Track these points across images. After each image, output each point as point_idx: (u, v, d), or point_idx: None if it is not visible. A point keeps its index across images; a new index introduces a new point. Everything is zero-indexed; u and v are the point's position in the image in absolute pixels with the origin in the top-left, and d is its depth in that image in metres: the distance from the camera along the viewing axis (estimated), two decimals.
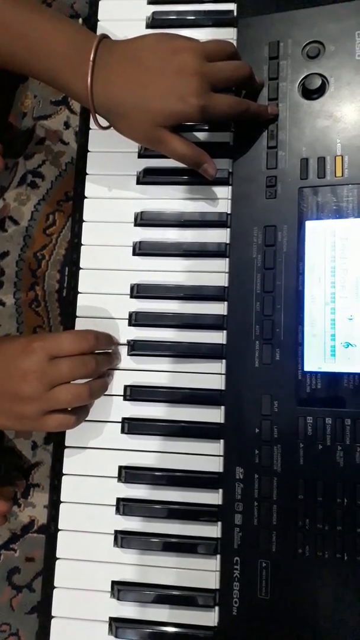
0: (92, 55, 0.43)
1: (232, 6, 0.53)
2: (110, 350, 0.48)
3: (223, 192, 0.50)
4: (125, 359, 0.49)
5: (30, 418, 0.43)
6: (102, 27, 0.54)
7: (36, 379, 0.42)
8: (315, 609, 0.41)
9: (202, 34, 0.51)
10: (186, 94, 0.42)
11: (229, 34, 0.51)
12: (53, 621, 0.46)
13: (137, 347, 0.48)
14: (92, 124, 0.52)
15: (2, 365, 0.43)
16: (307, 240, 0.46)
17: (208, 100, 0.43)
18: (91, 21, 0.54)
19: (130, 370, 0.48)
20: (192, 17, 0.53)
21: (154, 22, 0.53)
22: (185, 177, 0.50)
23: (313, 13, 0.49)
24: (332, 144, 0.47)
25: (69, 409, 0.44)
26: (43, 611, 0.46)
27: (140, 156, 0.52)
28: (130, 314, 0.49)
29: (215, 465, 0.46)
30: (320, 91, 0.48)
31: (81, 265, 0.50)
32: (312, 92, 0.48)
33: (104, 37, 0.45)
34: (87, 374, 0.44)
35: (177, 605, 0.44)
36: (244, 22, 0.51)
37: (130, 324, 0.49)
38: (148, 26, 0.53)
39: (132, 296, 0.49)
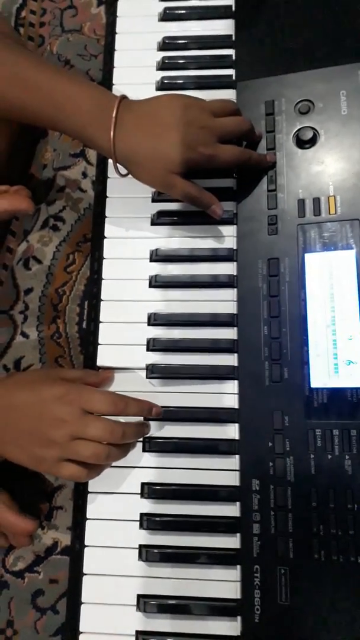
0: (114, 113, 0.49)
1: (231, 71, 0.60)
2: (142, 422, 0.51)
3: (229, 231, 0.55)
4: (144, 382, 0.52)
5: (48, 462, 0.45)
6: (117, 89, 0.61)
7: (65, 428, 0.44)
8: (334, 611, 0.43)
9: (206, 95, 0.57)
10: (196, 144, 0.49)
11: (229, 95, 0.59)
12: (81, 637, 0.47)
13: (155, 371, 0.52)
14: (109, 173, 0.58)
15: (37, 406, 0.45)
16: (307, 270, 0.51)
17: (215, 150, 0.50)
18: (106, 85, 0.61)
19: (149, 392, 0.52)
20: (197, 81, 0.60)
21: (163, 85, 0.61)
22: (195, 218, 0.56)
23: (302, 76, 0.56)
24: (325, 186, 0.53)
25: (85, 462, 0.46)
26: (69, 628, 0.47)
27: (153, 200, 0.57)
28: (148, 340, 0.53)
29: (233, 479, 0.49)
30: (312, 141, 0.54)
31: (102, 297, 0.55)
32: (305, 142, 0.54)
33: (124, 97, 0.51)
34: (111, 440, 0.45)
35: (201, 616, 0.46)
36: (242, 84, 0.59)
37: (148, 349, 0.53)
38: (157, 89, 0.61)
39: (149, 324, 0.54)
